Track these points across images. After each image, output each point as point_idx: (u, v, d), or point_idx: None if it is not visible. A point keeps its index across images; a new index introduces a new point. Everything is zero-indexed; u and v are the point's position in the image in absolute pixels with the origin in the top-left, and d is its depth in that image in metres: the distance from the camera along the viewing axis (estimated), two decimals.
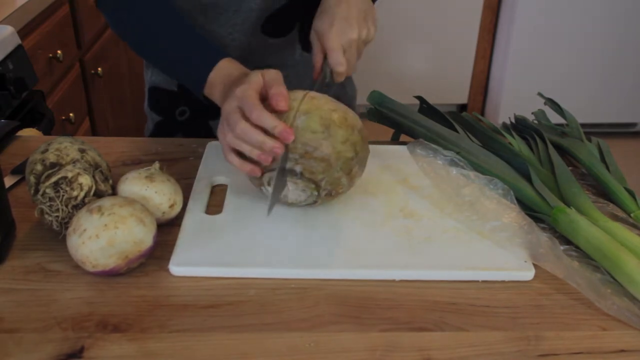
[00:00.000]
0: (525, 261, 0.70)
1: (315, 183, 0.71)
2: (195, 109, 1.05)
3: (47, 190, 0.68)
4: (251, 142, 0.69)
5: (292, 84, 1.03)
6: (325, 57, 0.77)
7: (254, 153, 0.70)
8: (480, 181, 0.80)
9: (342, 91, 1.14)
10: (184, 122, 1.06)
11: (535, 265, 0.70)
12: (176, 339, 0.59)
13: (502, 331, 0.62)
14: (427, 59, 2.91)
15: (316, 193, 0.72)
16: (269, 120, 0.67)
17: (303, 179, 0.70)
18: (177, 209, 0.74)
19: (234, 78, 0.77)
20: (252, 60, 0.98)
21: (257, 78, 0.71)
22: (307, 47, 1.01)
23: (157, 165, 0.75)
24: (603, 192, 0.85)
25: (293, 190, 0.72)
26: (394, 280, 0.68)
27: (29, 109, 1.33)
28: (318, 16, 0.78)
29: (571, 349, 0.60)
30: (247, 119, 0.69)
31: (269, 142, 0.67)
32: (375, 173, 0.85)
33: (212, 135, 1.04)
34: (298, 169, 0.70)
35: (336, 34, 0.76)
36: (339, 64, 0.76)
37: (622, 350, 0.60)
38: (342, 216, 0.77)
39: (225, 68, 0.80)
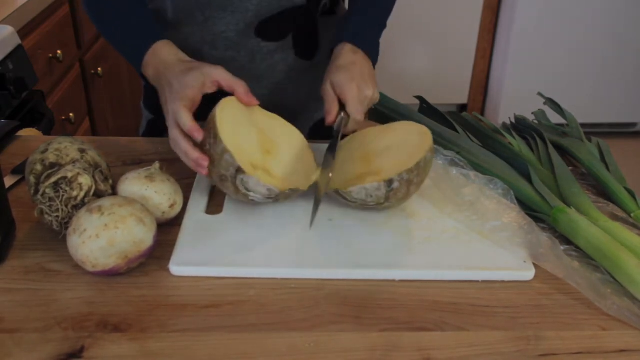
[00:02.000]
0: (525, 261, 0.70)
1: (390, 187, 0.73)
2: None
3: (47, 190, 0.68)
4: (179, 153, 0.75)
5: (286, 88, 1.03)
6: (341, 107, 0.83)
7: (186, 160, 0.74)
8: (480, 181, 0.80)
9: None
10: None
11: (535, 265, 0.70)
12: (176, 339, 0.59)
13: (502, 331, 0.62)
14: (427, 59, 2.91)
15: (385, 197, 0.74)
16: (191, 152, 0.73)
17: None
18: (177, 208, 0.74)
19: (168, 64, 0.81)
20: (242, 61, 0.98)
21: (192, 92, 0.77)
22: (301, 53, 1.02)
23: (157, 165, 0.75)
24: (603, 192, 0.85)
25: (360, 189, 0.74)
26: (394, 280, 0.68)
27: (29, 109, 1.33)
28: (335, 71, 0.84)
29: (571, 349, 0.60)
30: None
31: (196, 163, 0.73)
32: None
33: None
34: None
35: (357, 88, 0.82)
36: (360, 112, 0.82)
37: (622, 350, 0.60)
38: (342, 216, 0.77)
39: (160, 52, 0.83)
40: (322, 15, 1.02)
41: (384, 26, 0.95)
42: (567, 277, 0.68)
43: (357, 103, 0.82)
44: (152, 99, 1.07)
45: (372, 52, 0.89)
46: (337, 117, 0.82)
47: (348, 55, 0.86)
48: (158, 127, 1.08)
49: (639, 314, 0.64)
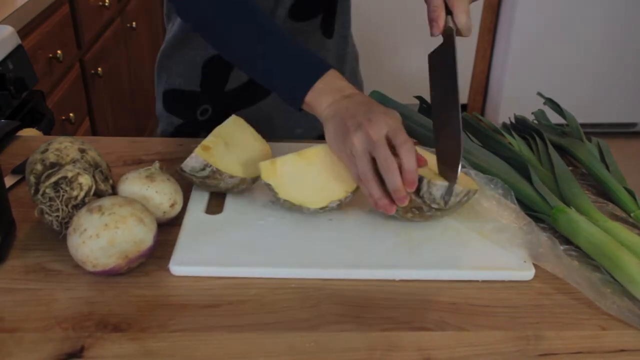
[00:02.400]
0: (525, 261, 0.70)
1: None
2: (217, 105, 1.05)
3: (47, 190, 0.68)
4: (387, 178, 0.69)
5: None
6: (448, 15, 0.79)
7: (376, 193, 0.70)
8: (481, 180, 0.80)
9: (355, 80, 1.15)
10: (206, 121, 1.06)
11: (535, 265, 0.70)
12: (176, 338, 0.59)
13: (502, 331, 0.62)
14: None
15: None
16: (414, 164, 0.68)
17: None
18: (178, 208, 0.74)
19: (350, 92, 0.76)
20: None
21: (399, 124, 0.72)
22: (327, 33, 1.03)
23: (157, 165, 0.75)
24: (603, 192, 0.85)
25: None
26: (394, 280, 0.68)
27: (29, 109, 1.33)
28: None
29: (571, 348, 0.60)
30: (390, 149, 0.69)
31: (403, 192, 0.68)
32: None
33: None
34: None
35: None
36: (469, 26, 0.79)
37: (622, 350, 0.60)
38: (342, 216, 0.77)
39: (335, 79, 0.77)
40: None
41: None
42: (567, 277, 0.68)
43: (467, 16, 0.78)
44: (177, 103, 1.06)
45: None
46: (445, 26, 0.78)
47: None
48: (188, 130, 1.07)
49: (639, 314, 0.64)
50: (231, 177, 0.76)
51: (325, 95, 0.76)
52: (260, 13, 0.81)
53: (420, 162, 0.70)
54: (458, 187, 0.71)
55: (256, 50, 0.80)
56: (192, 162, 0.76)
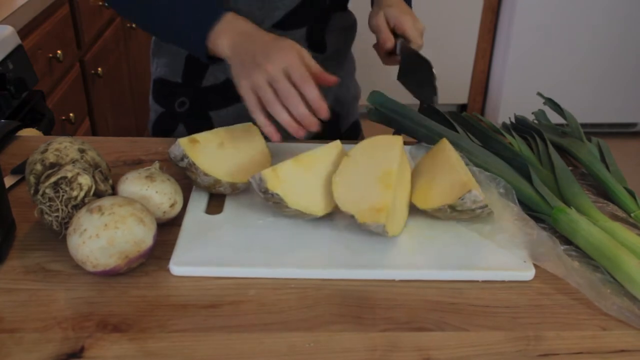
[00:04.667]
0: (525, 261, 0.70)
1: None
2: (194, 100, 1.06)
3: (47, 190, 0.68)
4: (290, 107, 0.73)
5: None
6: (396, 37, 0.94)
7: (283, 117, 0.74)
8: (485, 177, 0.80)
9: (346, 92, 1.14)
10: (183, 113, 1.07)
11: (535, 266, 0.70)
12: (176, 339, 0.59)
13: (502, 331, 0.62)
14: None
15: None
16: (315, 94, 0.73)
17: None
18: (178, 208, 0.74)
19: (248, 32, 0.80)
20: None
21: (304, 52, 0.77)
22: (314, 47, 1.03)
23: (157, 165, 0.75)
24: (603, 192, 0.85)
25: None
26: (394, 280, 0.68)
27: (29, 109, 1.33)
28: (386, 7, 0.94)
29: (571, 349, 0.60)
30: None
31: (310, 118, 0.73)
32: None
33: (211, 125, 1.05)
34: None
35: (412, 20, 0.93)
36: (420, 38, 0.93)
37: (622, 350, 0.60)
38: (342, 216, 0.76)
39: (234, 20, 0.81)
40: (335, 11, 1.04)
41: None
42: (567, 277, 0.68)
43: (415, 30, 0.93)
44: (161, 92, 1.09)
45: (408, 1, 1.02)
46: (395, 43, 0.93)
47: (394, 1, 0.96)
48: (167, 120, 1.09)
49: (639, 314, 0.64)
50: (205, 174, 0.75)
51: (224, 37, 0.80)
52: None
53: (327, 80, 0.77)
54: (479, 196, 0.71)
55: (158, 12, 0.86)
56: (174, 150, 0.76)
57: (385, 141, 0.82)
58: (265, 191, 0.71)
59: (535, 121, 1.02)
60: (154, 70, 1.10)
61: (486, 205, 0.71)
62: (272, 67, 0.74)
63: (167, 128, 1.09)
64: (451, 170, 0.76)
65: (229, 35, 0.80)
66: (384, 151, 0.79)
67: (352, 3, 1.10)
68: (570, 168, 0.86)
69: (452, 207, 0.72)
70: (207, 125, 1.06)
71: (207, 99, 1.05)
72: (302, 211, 0.72)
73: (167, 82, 1.07)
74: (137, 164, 0.89)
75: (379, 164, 0.77)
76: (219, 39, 0.80)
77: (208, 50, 0.82)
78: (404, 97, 1.00)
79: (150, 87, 1.12)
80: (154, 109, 1.11)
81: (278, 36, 0.79)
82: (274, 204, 0.73)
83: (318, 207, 0.74)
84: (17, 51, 1.32)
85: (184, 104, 1.07)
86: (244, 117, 1.05)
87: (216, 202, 0.80)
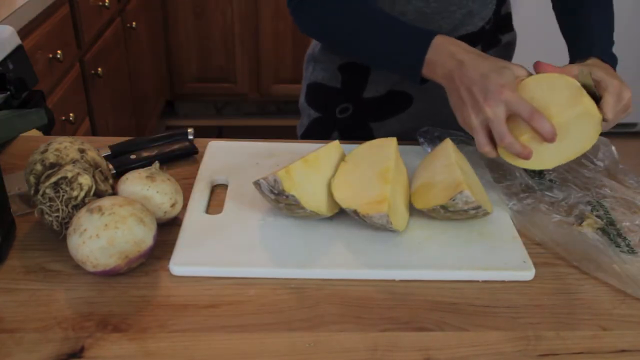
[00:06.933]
0: (525, 261, 0.70)
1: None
2: (358, 107, 1.04)
3: (47, 191, 0.68)
4: (506, 148, 0.73)
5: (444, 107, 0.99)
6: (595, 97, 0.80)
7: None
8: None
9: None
10: (343, 119, 1.05)
11: (535, 265, 0.70)
12: (176, 339, 0.59)
13: (502, 331, 0.62)
14: None
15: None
16: (547, 127, 0.72)
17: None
18: (178, 208, 0.74)
19: (462, 59, 0.76)
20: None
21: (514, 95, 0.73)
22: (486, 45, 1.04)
23: (157, 165, 0.75)
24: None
25: None
26: (394, 280, 0.68)
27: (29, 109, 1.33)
28: (592, 66, 0.84)
29: (571, 349, 0.60)
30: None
31: (526, 151, 0.73)
32: None
33: (370, 136, 1.02)
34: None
35: (619, 85, 0.83)
36: (614, 111, 0.80)
37: (623, 350, 0.60)
38: (343, 216, 0.76)
39: (444, 45, 0.79)
40: (503, 33, 1.08)
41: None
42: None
43: (615, 98, 0.79)
44: (318, 97, 1.07)
45: (614, 66, 0.92)
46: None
47: (600, 64, 0.87)
48: (323, 125, 1.07)
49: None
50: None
51: (437, 67, 0.79)
52: (368, 8, 0.85)
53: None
54: (471, 196, 0.70)
55: (366, 43, 0.85)
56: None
57: (380, 143, 0.83)
58: (280, 193, 0.70)
59: None
60: (309, 75, 1.08)
61: (480, 206, 0.71)
62: (491, 110, 0.72)
63: (321, 133, 1.06)
64: (448, 171, 0.76)
65: (443, 64, 0.78)
66: (379, 151, 0.80)
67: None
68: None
69: (445, 208, 0.72)
70: (365, 135, 1.04)
71: (370, 109, 1.04)
72: (316, 212, 0.72)
73: (325, 87, 1.05)
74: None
75: (376, 162, 0.78)
76: (435, 70, 0.79)
77: (422, 77, 0.81)
78: None
79: (302, 91, 1.10)
80: (307, 113, 1.09)
81: (493, 61, 0.75)
82: (286, 206, 0.72)
83: (327, 207, 0.74)
84: (17, 51, 1.32)
85: (346, 110, 1.05)
86: (407, 129, 1.01)
87: (216, 202, 0.80)
